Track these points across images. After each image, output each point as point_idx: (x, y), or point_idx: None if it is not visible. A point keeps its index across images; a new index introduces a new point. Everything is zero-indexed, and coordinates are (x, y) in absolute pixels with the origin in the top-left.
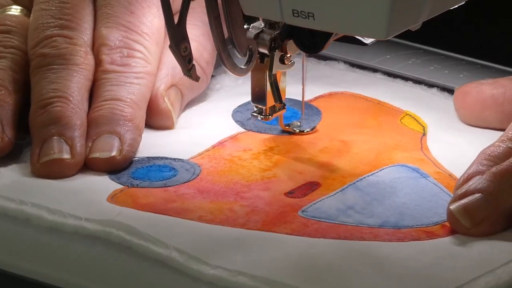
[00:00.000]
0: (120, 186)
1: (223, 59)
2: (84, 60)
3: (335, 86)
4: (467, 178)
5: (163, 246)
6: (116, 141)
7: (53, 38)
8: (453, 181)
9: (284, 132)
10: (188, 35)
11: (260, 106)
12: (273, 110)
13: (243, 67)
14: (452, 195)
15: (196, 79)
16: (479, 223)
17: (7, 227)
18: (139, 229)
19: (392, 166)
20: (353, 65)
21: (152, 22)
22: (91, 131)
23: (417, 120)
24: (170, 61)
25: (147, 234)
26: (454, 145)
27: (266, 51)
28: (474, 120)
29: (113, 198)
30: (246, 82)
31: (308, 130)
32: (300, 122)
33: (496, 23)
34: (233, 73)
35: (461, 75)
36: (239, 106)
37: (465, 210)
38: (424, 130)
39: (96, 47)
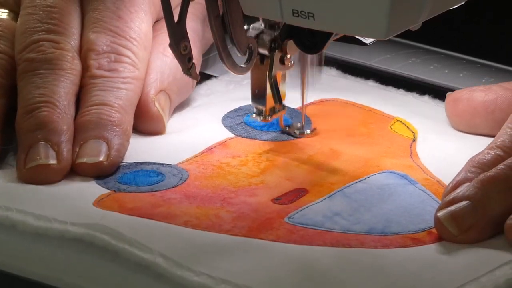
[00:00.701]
0: (107, 191)
1: (223, 58)
2: (71, 65)
3: (326, 92)
4: (455, 185)
5: (147, 251)
6: (104, 146)
7: (40, 43)
8: (441, 188)
9: (273, 137)
10: None
11: (260, 107)
12: (273, 111)
13: (243, 65)
14: (440, 202)
15: (196, 78)
16: (466, 230)
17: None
18: (124, 233)
19: (380, 172)
20: (345, 71)
21: (140, 27)
22: (78, 136)
23: (407, 126)
24: (158, 66)
25: (132, 238)
26: (444, 151)
27: (266, 52)
28: (465, 127)
29: (99, 202)
30: (237, 88)
31: (308, 132)
32: (300, 124)
33: (496, 22)
34: (233, 72)
35: (461, 74)
36: (229, 111)
37: (452, 217)
38: (414, 136)
39: (84, 52)
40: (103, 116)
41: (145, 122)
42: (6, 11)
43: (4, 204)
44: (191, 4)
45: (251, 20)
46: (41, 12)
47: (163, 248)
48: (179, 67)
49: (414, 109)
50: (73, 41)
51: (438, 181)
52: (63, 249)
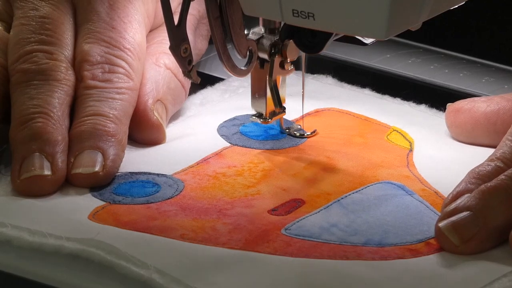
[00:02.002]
0: (102, 203)
1: (223, 60)
2: (65, 75)
3: (323, 102)
4: (456, 196)
5: (144, 267)
6: (99, 157)
7: (34, 54)
8: (438, 199)
9: (269, 147)
10: (164, 58)
11: (260, 111)
12: (273, 114)
13: (243, 68)
14: (437, 213)
15: (196, 80)
16: (468, 240)
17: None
18: (119, 249)
19: (377, 183)
20: (342, 79)
21: (134, 38)
22: (74, 146)
23: (404, 136)
24: (153, 76)
25: (128, 253)
26: (441, 162)
27: (266, 57)
28: (466, 138)
29: (95, 215)
30: (232, 97)
31: (308, 133)
32: (300, 125)
33: (496, 22)
34: (233, 74)
35: (461, 74)
36: (224, 121)
37: (453, 227)
38: (411, 146)
39: (78, 63)
40: (98, 126)
41: (145, 131)
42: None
43: None
44: None
45: (252, 24)
46: (34, 23)
47: (160, 263)
48: (172, 77)
49: (410, 118)
50: (67, 51)
51: (435, 192)
52: (58, 264)
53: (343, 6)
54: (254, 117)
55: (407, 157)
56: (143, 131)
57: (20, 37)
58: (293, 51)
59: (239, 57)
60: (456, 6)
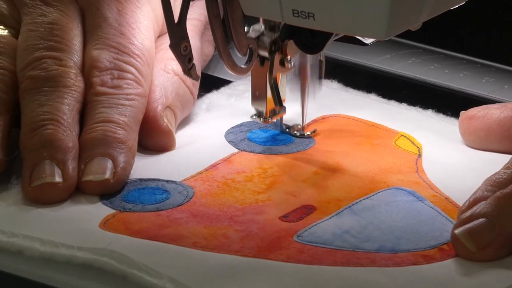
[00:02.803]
0: (112, 211)
1: (224, 58)
2: (75, 82)
3: (328, 107)
4: (472, 203)
5: (157, 276)
6: (110, 164)
7: (43, 60)
8: (449, 205)
9: (278, 152)
10: (172, 64)
11: (260, 109)
12: (273, 113)
13: (243, 66)
14: (449, 218)
15: (197, 78)
16: (484, 247)
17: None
18: (132, 258)
19: (387, 189)
20: (347, 84)
21: (142, 44)
22: (84, 153)
23: (412, 141)
24: (162, 82)
25: (141, 263)
26: (450, 167)
27: (266, 54)
28: (480, 145)
29: (106, 224)
30: (238, 101)
31: (308, 133)
32: (300, 126)
33: (496, 22)
34: (233, 72)
35: (461, 75)
36: (232, 127)
37: (469, 234)
38: (419, 151)
39: (87, 69)
40: (108, 133)
41: (155, 138)
42: (6, 28)
43: (10, 230)
44: (189, 21)
45: (252, 22)
46: (42, 29)
47: (173, 272)
48: (181, 83)
49: (417, 123)
50: (76, 58)
51: (446, 198)
52: (70, 274)
53: (343, 6)
54: (254, 116)
55: (416, 163)
56: (153, 137)
57: (28, 43)
58: (293, 48)
59: (239, 55)
60: (456, 6)
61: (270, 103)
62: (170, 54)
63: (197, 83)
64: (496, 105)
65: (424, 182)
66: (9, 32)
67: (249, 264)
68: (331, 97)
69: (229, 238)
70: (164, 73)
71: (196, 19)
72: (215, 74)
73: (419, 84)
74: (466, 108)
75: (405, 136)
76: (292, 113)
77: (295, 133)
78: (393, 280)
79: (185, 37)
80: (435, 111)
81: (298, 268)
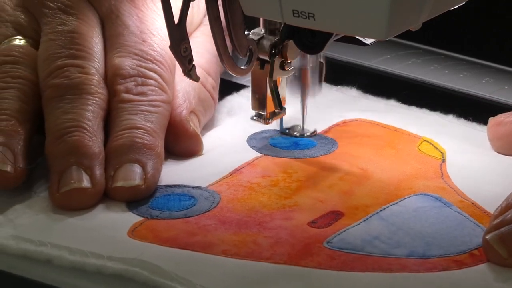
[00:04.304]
0: (139, 218)
1: (224, 60)
2: (98, 89)
3: (349, 113)
4: (504, 208)
5: (189, 286)
6: (140, 170)
7: (65, 68)
8: (477, 210)
9: (301, 156)
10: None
11: (260, 112)
12: (273, 114)
13: (243, 67)
14: (477, 223)
15: (197, 79)
16: None
17: (28, 268)
18: (163, 268)
19: (414, 195)
20: (366, 91)
21: (164, 50)
22: (113, 160)
23: (435, 146)
24: (184, 87)
25: (172, 272)
26: (476, 172)
27: (266, 58)
28: (508, 150)
29: (134, 232)
30: None
31: (308, 134)
32: (300, 126)
33: (496, 23)
34: (233, 73)
35: (461, 75)
36: (253, 133)
37: (501, 239)
38: (443, 156)
39: (110, 77)
40: (137, 139)
41: (182, 143)
42: (25, 38)
43: (37, 238)
44: (204, 38)
45: (252, 25)
46: (63, 38)
47: (205, 281)
48: (202, 88)
49: (439, 128)
50: (97, 65)
51: (473, 203)
52: (100, 284)
53: (344, 6)
54: (255, 118)
55: (441, 168)
56: (180, 142)
57: (50, 52)
58: (293, 52)
59: (239, 56)
60: (456, 6)
61: (270, 106)
62: None
63: (217, 87)
64: None
65: (450, 188)
66: (27, 42)
67: (281, 271)
68: (351, 103)
69: (259, 245)
70: (185, 79)
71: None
72: (228, 78)
73: (419, 85)
74: (466, 109)
75: (427, 141)
76: (292, 115)
77: (295, 134)
78: (425, 285)
79: (185, 38)
80: (455, 115)
81: (330, 274)
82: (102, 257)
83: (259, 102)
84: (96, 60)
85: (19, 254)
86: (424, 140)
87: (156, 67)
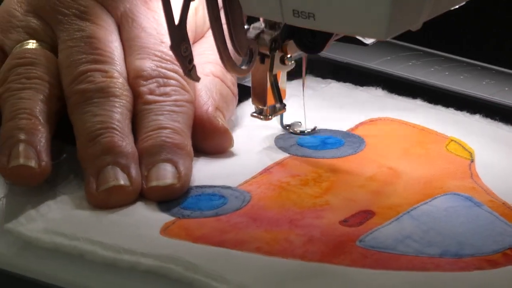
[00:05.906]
0: (171, 218)
1: (224, 59)
2: (123, 91)
3: (375, 112)
4: None
5: (224, 282)
6: (173, 169)
7: (89, 73)
8: (507, 210)
9: (330, 156)
10: (209, 67)
11: (260, 107)
12: (274, 110)
13: (243, 67)
14: (508, 223)
15: (197, 79)
16: None
17: (60, 263)
18: (198, 264)
19: (444, 195)
20: (392, 91)
21: None
22: (145, 160)
23: (463, 146)
24: (206, 84)
25: (207, 268)
26: (504, 172)
27: (266, 52)
28: None
29: (166, 231)
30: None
31: (308, 130)
32: (301, 122)
33: (497, 24)
34: (233, 73)
35: (462, 77)
36: (280, 134)
37: None
38: (471, 156)
39: (132, 79)
40: (167, 139)
41: (213, 140)
42: (38, 41)
43: (70, 232)
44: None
45: (252, 19)
46: (82, 44)
47: (239, 278)
48: (222, 84)
49: (467, 128)
50: (120, 68)
51: (503, 203)
52: (132, 280)
53: (344, 6)
54: (255, 114)
55: (470, 168)
56: (211, 139)
57: (71, 59)
58: (293, 46)
59: (240, 56)
60: (457, 6)
61: (271, 100)
62: (204, 58)
63: (236, 83)
64: None
65: (480, 188)
66: (40, 45)
67: (315, 269)
68: (377, 103)
69: (292, 242)
70: (204, 76)
71: None
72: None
73: (419, 86)
74: (465, 110)
75: (455, 141)
76: (292, 111)
77: (296, 131)
78: (460, 284)
79: (185, 38)
80: (482, 115)
81: (363, 272)
82: (135, 254)
83: (259, 96)
84: (117, 63)
85: (51, 248)
86: (452, 140)
87: (176, 67)
